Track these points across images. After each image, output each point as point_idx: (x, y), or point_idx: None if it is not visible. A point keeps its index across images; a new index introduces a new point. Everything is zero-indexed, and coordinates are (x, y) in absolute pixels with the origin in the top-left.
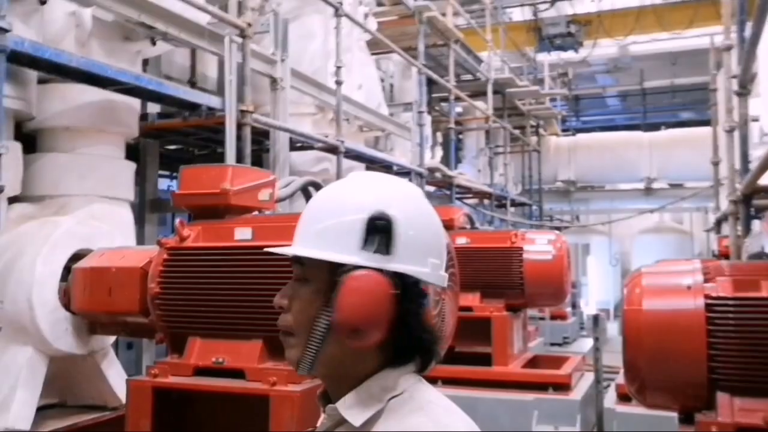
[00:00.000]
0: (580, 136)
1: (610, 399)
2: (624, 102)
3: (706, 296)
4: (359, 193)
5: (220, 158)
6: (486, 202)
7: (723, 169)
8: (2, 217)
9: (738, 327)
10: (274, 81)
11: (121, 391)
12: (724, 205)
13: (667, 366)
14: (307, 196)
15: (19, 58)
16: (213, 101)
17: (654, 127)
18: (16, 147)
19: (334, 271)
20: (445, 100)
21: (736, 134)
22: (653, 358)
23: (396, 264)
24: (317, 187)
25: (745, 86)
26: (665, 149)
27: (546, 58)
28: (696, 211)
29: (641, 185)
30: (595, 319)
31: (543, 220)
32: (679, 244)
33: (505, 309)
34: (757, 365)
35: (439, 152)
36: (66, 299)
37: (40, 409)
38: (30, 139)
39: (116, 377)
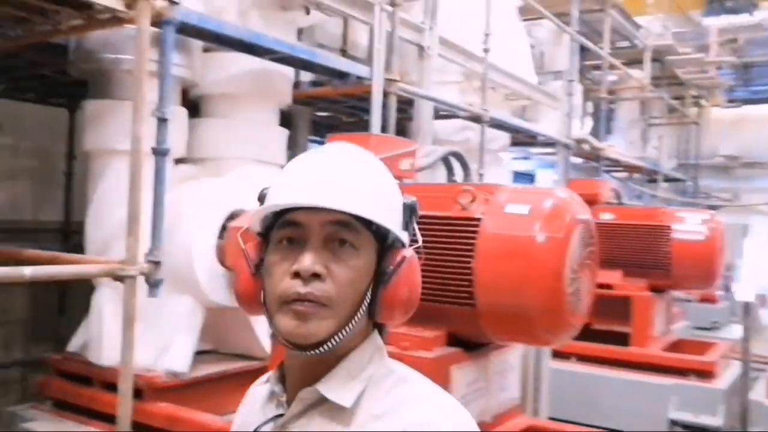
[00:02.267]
0: (748, 107)
1: (759, 392)
2: None
3: None
4: (383, 170)
5: (366, 126)
6: (636, 176)
7: None
8: (168, 177)
9: None
10: (421, 49)
11: (267, 343)
12: None
13: None
14: (448, 166)
15: (187, 29)
16: (361, 70)
17: None
18: (183, 112)
19: (381, 245)
20: (598, 68)
21: None
22: None
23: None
24: (458, 156)
25: None
26: None
27: (714, 22)
28: None
29: None
30: (746, 306)
31: (698, 198)
32: None
33: (647, 289)
34: None
35: (588, 123)
36: (221, 256)
37: (196, 354)
38: (195, 105)
39: (263, 330)
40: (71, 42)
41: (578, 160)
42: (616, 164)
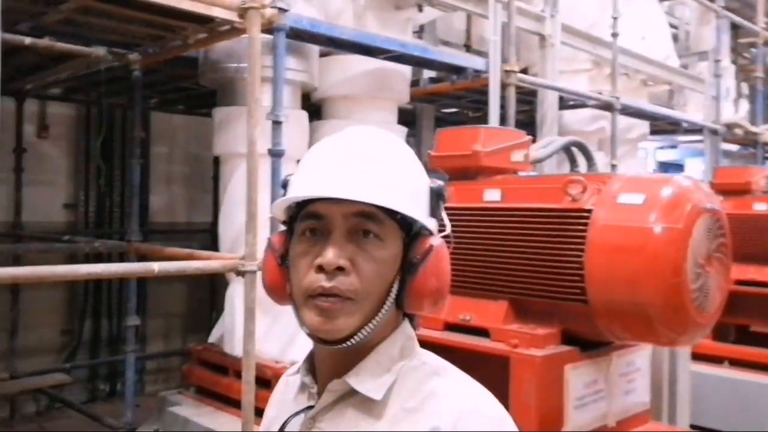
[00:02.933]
0: None
1: None
2: None
3: None
4: (409, 154)
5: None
6: None
7: None
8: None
9: None
10: (542, 38)
11: None
12: None
13: None
14: (570, 157)
15: (300, 34)
16: (478, 63)
17: None
18: (303, 115)
19: (407, 234)
20: (754, 45)
21: None
22: None
23: (445, 232)
24: (580, 146)
25: None
26: None
27: None
28: None
29: None
30: None
31: None
32: None
33: None
34: None
35: (744, 106)
36: None
37: None
38: (316, 108)
39: None
40: (201, 55)
41: (734, 148)
42: None
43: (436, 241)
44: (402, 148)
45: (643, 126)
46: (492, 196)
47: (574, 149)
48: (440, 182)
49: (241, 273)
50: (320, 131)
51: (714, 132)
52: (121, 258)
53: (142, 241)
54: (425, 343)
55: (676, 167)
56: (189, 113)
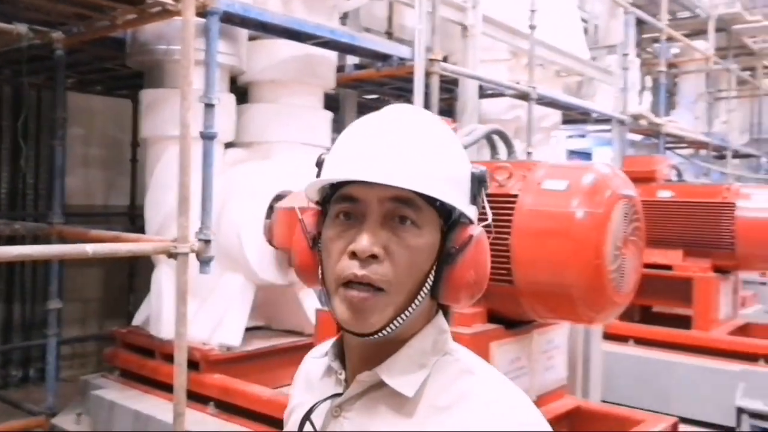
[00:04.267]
0: None
1: None
2: None
3: None
4: (450, 137)
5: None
6: (703, 153)
7: None
8: (218, 159)
9: None
10: (464, 28)
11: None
12: None
13: None
14: (491, 144)
15: (231, 19)
16: (403, 51)
17: None
18: (231, 98)
19: (444, 222)
20: (657, 40)
21: None
22: None
23: (481, 221)
24: (501, 135)
25: None
26: None
27: None
28: None
29: None
30: None
31: None
32: None
33: (711, 269)
34: None
35: (648, 98)
36: (269, 235)
37: (249, 330)
38: (242, 91)
39: (312, 307)
40: (128, 36)
41: (638, 137)
42: (679, 140)
43: (476, 230)
44: (443, 130)
45: (556, 115)
46: None
47: (495, 137)
48: (482, 168)
49: (173, 255)
50: (247, 115)
51: (621, 122)
52: (35, 240)
53: (63, 223)
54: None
55: (585, 155)
56: (107, 95)
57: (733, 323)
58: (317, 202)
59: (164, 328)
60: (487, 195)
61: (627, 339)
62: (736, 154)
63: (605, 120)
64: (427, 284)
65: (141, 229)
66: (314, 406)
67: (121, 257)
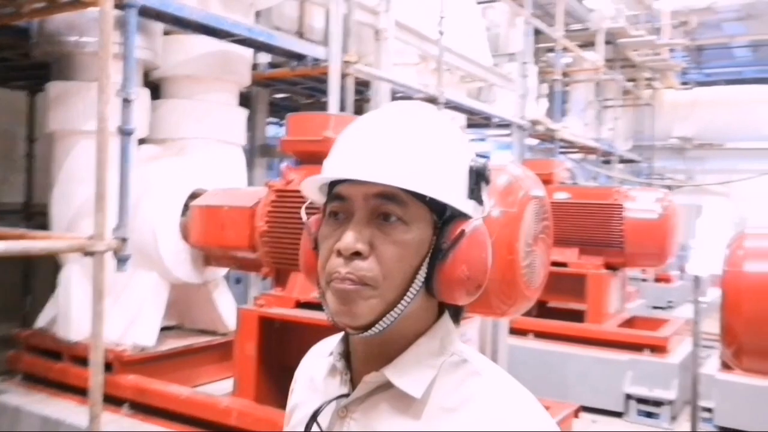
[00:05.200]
0: (701, 90)
1: (712, 366)
2: (755, 53)
3: None
4: (451, 132)
5: (324, 107)
6: (591, 157)
7: None
8: (133, 156)
9: None
10: (377, 32)
11: (229, 319)
12: None
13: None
14: None
15: (148, 12)
16: (318, 52)
17: None
18: (145, 93)
19: (439, 217)
20: (552, 50)
21: None
22: (752, 322)
23: (482, 215)
24: None
25: None
26: None
27: (666, 5)
28: None
29: (766, 144)
30: (696, 279)
31: (652, 178)
32: None
33: (603, 267)
34: None
35: (543, 104)
36: (184, 233)
37: (163, 329)
38: (155, 86)
39: (226, 306)
40: (33, 25)
41: (534, 142)
42: (571, 145)
43: (471, 225)
44: (441, 125)
45: (461, 119)
46: None
47: None
48: (483, 160)
49: (89, 253)
50: (161, 110)
51: (521, 127)
52: None
53: None
54: (275, 321)
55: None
56: (1, 86)
57: (621, 317)
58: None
59: (74, 330)
60: None
61: (527, 333)
62: (621, 159)
63: (506, 125)
64: (417, 280)
65: (39, 227)
66: (321, 407)
67: (14, 257)
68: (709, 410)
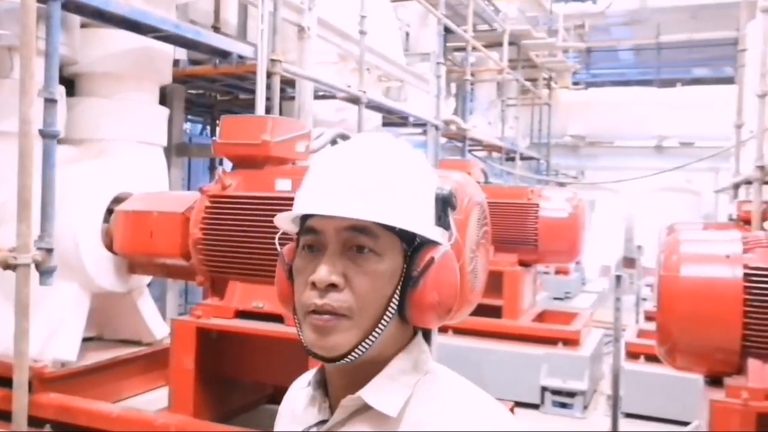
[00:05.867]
0: (594, 90)
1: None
2: (638, 56)
3: (745, 266)
4: (416, 162)
5: (242, 104)
6: (495, 155)
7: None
8: (56, 160)
9: None
10: (302, 30)
11: (154, 328)
12: (744, 169)
13: (700, 331)
14: None
15: (68, 5)
16: (245, 50)
17: (667, 82)
18: (61, 91)
19: (408, 245)
20: (459, 50)
21: None
22: (687, 322)
23: (450, 240)
24: (345, 139)
25: None
26: (679, 108)
27: (562, 8)
28: (705, 172)
29: (652, 143)
30: (618, 278)
31: (549, 175)
32: (687, 203)
33: (517, 264)
34: None
35: (452, 104)
36: (108, 240)
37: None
38: (68, 82)
39: (151, 315)
40: None
41: (442, 140)
42: (477, 143)
43: (439, 252)
44: (407, 156)
45: (377, 119)
46: (284, 185)
47: (340, 140)
48: (447, 189)
49: (11, 267)
50: (78, 109)
51: (436, 127)
52: None
53: None
54: (212, 332)
55: None
56: None
57: (534, 311)
58: (297, 234)
59: None
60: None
61: (447, 329)
62: (522, 157)
63: (421, 124)
64: (391, 308)
65: None
66: None
67: None
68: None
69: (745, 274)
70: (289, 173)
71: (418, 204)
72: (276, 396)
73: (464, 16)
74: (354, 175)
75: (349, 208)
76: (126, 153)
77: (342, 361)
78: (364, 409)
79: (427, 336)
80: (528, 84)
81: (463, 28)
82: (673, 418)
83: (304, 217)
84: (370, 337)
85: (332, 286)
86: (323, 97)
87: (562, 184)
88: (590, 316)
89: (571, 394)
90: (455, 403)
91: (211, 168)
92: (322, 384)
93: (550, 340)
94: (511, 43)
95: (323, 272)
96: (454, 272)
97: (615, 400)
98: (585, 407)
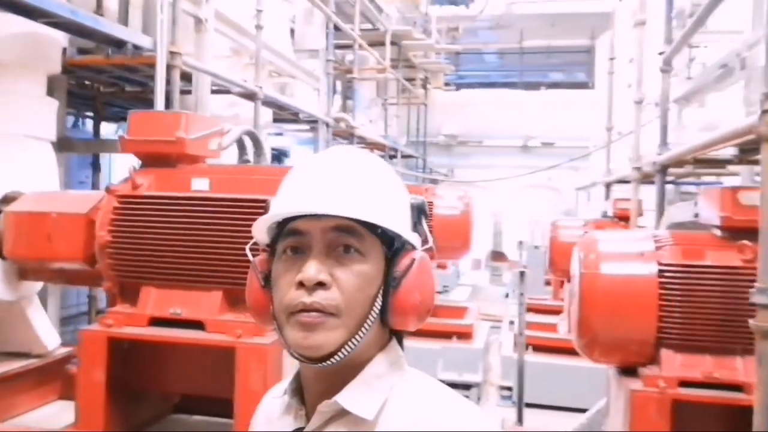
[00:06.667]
0: (465, 91)
1: (508, 348)
2: (502, 59)
3: (659, 263)
4: (388, 171)
5: (129, 96)
6: (377, 152)
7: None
8: None
9: (685, 291)
10: (199, 22)
11: (45, 339)
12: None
13: (619, 324)
14: (240, 145)
15: None
16: (144, 40)
17: (530, 85)
18: None
19: (388, 248)
20: (342, 47)
21: (653, 107)
22: (607, 317)
23: (425, 246)
24: (252, 136)
25: (669, 63)
26: (542, 110)
27: (437, 11)
28: (565, 170)
29: (519, 143)
30: (521, 274)
31: (425, 173)
32: (550, 200)
33: None
34: (699, 325)
35: (337, 101)
36: None
37: None
38: None
39: (41, 325)
40: None
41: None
42: (362, 141)
43: (418, 255)
44: (381, 165)
45: (268, 114)
46: (200, 185)
47: (246, 137)
48: (421, 197)
49: None
50: None
51: (326, 124)
52: None
53: None
54: (124, 341)
55: (282, 154)
56: None
57: None
58: (267, 245)
59: None
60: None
61: None
62: (402, 155)
63: (312, 121)
64: (374, 309)
65: None
66: None
67: None
68: (509, 389)
69: (660, 271)
70: (206, 172)
71: (398, 209)
72: (184, 406)
73: (348, 15)
74: (337, 178)
75: (338, 207)
76: (12, 149)
77: (326, 363)
78: (341, 414)
79: (399, 340)
80: (407, 83)
81: (350, 27)
82: (564, 406)
83: (282, 224)
84: (356, 337)
85: (320, 285)
86: (217, 91)
87: (434, 182)
88: (478, 309)
89: (467, 387)
90: (431, 405)
91: (94, 165)
92: (298, 392)
93: (445, 335)
94: (392, 43)
95: (312, 270)
96: (432, 275)
97: (520, 392)
98: (479, 398)
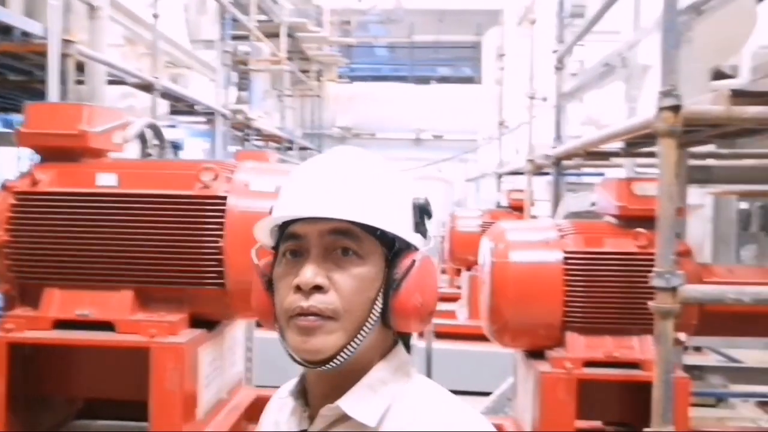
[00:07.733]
0: (358, 84)
1: (413, 336)
2: (392, 53)
3: (564, 251)
4: (392, 172)
5: (11, 86)
6: (272, 145)
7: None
8: None
9: (588, 277)
10: (92, 9)
11: None
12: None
13: (528, 310)
14: (143, 139)
15: None
16: (34, 27)
17: (420, 79)
18: None
19: (389, 250)
20: (238, 38)
21: (549, 103)
22: (517, 303)
23: (427, 246)
24: (155, 129)
25: (561, 61)
26: (432, 103)
27: (329, 3)
28: (454, 162)
29: (412, 135)
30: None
31: None
32: (442, 191)
33: None
34: (601, 309)
35: (233, 93)
36: None
37: None
38: None
39: None
40: None
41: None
42: (258, 133)
43: (420, 256)
44: (383, 167)
45: (165, 105)
46: (107, 180)
47: (148, 130)
48: (424, 197)
49: None
50: None
51: (224, 116)
52: None
53: None
54: (26, 346)
55: (176, 146)
56: None
57: None
58: (273, 247)
59: None
60: (191, 197)
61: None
62: (299, 147)
63: (208, 113)
64: (374, 311)
65: None
66: None
67: None
68: None
69: (564, 258)
70: (112, 167)
71: (398, 210)
72: (88, 411)
73: (243, 5)
74: (336, 181)
75: (334, 210)
76: None
77: (326, 366)
78: (344, 418)
79: (407, 344)
80: (302, 75)
81: (246, 18)
82: (468, 390)
83: (284, 226)
84: (355, 340)
85: (317, 288)
86: (112, 82)
87: None
88: None
89: None
90: (435, 414)
91: None
92: (302, 393)
93: None
94: (287, 35)
95: (308, 274)
96: (434, 276)
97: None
98: None
